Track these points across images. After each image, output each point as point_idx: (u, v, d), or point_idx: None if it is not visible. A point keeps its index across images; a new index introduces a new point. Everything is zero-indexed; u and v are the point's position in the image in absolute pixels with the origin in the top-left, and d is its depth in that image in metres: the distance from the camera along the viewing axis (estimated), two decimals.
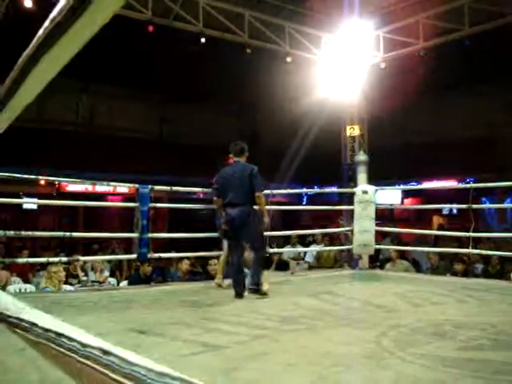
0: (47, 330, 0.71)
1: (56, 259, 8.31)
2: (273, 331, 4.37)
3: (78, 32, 0.66)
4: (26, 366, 3.30)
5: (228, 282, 6.94)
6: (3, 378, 3.08)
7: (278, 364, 3.45)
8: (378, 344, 3.88)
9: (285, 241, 12.72)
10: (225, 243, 7.16)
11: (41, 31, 0.72)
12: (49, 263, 8.39)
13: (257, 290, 6.26)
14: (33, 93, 0.96)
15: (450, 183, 17.18)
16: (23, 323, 0.81)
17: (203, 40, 11.03)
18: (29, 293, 7.91)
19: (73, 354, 0.62)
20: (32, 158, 13.56)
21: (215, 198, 6.80)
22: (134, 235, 7.59)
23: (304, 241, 12.77)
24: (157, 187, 7.75)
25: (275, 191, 9.43)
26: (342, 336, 4.28)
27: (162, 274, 9.23)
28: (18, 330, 0.84)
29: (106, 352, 0.58)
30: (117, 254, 11.77)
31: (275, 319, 4.86)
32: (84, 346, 0.61)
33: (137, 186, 7.59)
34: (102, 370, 0.55)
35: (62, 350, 0.65)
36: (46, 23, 0.70)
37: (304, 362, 3.52)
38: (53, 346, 0.68)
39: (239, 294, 6.28)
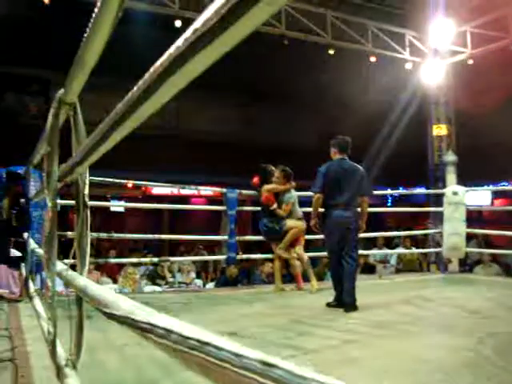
0: (188, 338, 0.70)
1: (147, 259, 8.54)
2: (365, 336, 4.29)
3: (217, 47, 0.65)
4: (125, 364, 3.40)
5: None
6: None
7: (371, 370, 3.37)
8: (477, 352, 3.72)
9: (370, 244, 12.50)
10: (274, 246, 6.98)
11: (180, 41, 0.71)
12: (140, 264, 8.64)
13: (355, 306, 5.56)
14: (155, 107, 0.97)
15: None
16: (157, 329, 0.81)
17: (286, 42, 11.04)
18: (120, 293, 8.15)
19: (226, 365, 0.61)
20: (118, 160, 13.99)
21: (318, 195, 5.88)
22: (222, 238, 7.68)
23: (390, 243, 12.49)
24: (244, 192, 7.77)
25: None
26: (437, 342, 4.15)
27: (248, 275, 9.28)
28: (152, 336, 0.84)
29: (268, 364, 0.55)
30: (202, 255, 11.96)
31: (367, 324, 4.77)
32: (239, 356, 0.59)
33: (224, 190, 7.66)
34: (266, 382, 0.53)
35: (210, 359, 0.64)
36: (188, 33, 0.68)
37: (400, 369, 3.42)
38: (197, 354, 0.67)
39: (352, 306, 5.54)
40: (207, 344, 0.66)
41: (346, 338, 4.19)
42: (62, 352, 2.00)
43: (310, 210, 6.18)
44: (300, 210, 7.02)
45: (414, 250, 10.74)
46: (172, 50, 0.75)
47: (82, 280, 1.64)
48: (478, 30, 12.06)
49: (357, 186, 5.80)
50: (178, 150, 15.92)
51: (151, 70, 0.85)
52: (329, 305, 5.76)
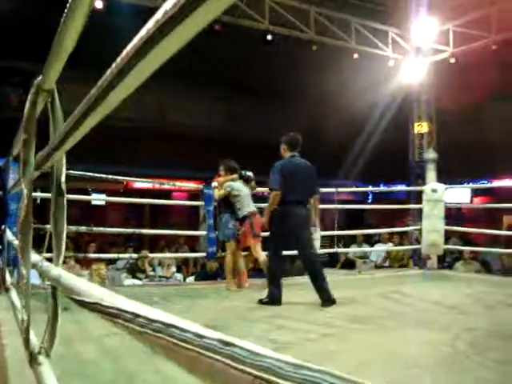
0: (153, 321, 0.70)
1: (126, 255, 8.52)
2: (342, 330, 4.32)
3: (188, 27, 0.65)
4: (102, 356, 3.39)
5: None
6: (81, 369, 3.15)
7: (348, 363, 3.39)
8: (454, 347, 3.76)
9: (350, 240, 12.58)
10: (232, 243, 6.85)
11: (150, 24, 0.71)
12: (119, 258, 8.60)
13: (333, 300, 5.55)
14: (127, 91, 0.96)
15: None
16: (124, 314, 0.81)
17: (269, 37, 11.05)
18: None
19: (187, 345, 0.61)
20: (99, 154, 13.89)
21: (277, 192, 5.68)
22: (201, 233, 7.68)
23: (370, 240, 12.57)
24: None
25: (341, 189, 9.31)
26: (414, 337, 4.18)
27: None
28: (120, 321, 0.84)
29: (227, 343, 0.56)
30: (183, 250, 11.93)
31: (344, 318, 4.79)
32: (200, 336, 0.59)
33: (201, 186, 7.68)
34: (225, 360, 0.53)
35: (173, 340, 0.64)
36: (159, 15, 0.68)
37: (376, 362, 3.45)
38: (161, 336, 0.67)
39: (331, 301, 5.52)
40: (171, 326, 0.66)
41: (323, 332, 4.21)
42: (35, 341, 1.99)
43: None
44: (251, 206, 6.90)
45: (393, 248, 10.81)
46: (143, 32, 0.75)
47: (57, 270, 1.63)
48: (461, 28, 12.16)
49: (311, 183, 5.86)
50: (160, 144, 15.86)
51: (123, 53, 0.85)
52: (261, 301, 5.64)
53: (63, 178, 1.95)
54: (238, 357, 0.54)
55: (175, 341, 0.64)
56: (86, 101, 1.14)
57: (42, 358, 1.84)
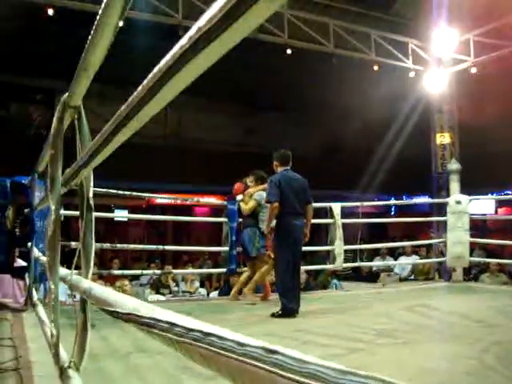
0: (191, 330, 0.70)
1: (149, 271, 8.57)
2: (369, 345, 4.27)
3: (220, 45, 0.66)
4: (126, 373, 3.40)
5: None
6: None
7: None
8: (481, 361, 3.70)
9: (374, 252, 12.49)
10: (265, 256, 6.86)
11: (184, 40, 0.72)
12: (142, 274, 8.64)
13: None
14: (157, 108, 0.98)
15: None
16: (161, 323, 0.82)
17: (289, 51, 11.10)
18: None
19: (229, 353, 0.61)
20: (121, 170, 14.02)
21: (276, 204, 5.85)
22: (223, 249, 7.69)
23: (393, 252, 12.48)
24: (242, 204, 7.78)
25: (366, 203, 9.27)
26: (441, 351, 4.13)
27: None
28: (156, 331, 0.85)
29: (271, 351, 0.56)
30: (205, 265, 11.95)
31: (370, 333, 4.74)
32: (242, 344, 0.60)
33: (225, 202, 7.67)
34: (270, 368, 0.54)
35: (213, 349, 0.65)
36: (192, 32, 0.69)
37: (404, 377, 3.40)
38: (200, 345, 0.68)
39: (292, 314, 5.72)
40: (210, 335, 0.67)
41: (349, 347, 4.17)
42: (65, 355, 2.01)
43: None
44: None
45: (418, 261, 10.72)
46: (176, 49, 0.76)
47: (87, 282, 1.65)
48: (481, 38, 12.10)
49: (305, 195, 6.05)
50: (179, 159, 15.95)
51: (155, 69, 0.86)
52: (274, 315, 5.68)
53: (91, 194, 1.98)
54: (283, 364, 0.54)
55: (216, 349, 0.64)
56: (116, 117, 1.16)
57: (72, 373, 1.85)
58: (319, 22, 11.54)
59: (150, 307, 0.96)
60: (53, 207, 2.07)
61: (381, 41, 12.21)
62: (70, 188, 2.08)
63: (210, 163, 16.12)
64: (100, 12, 1.24)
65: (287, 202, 5.87)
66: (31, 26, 10.93)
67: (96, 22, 1.29)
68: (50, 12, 9.59)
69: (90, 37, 1.39)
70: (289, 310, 5.68)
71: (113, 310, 1.12)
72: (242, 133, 19.77)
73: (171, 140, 18.11)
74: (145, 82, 0.94)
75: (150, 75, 0.90)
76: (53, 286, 2.04)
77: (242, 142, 19.48)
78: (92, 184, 2.01)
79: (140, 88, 0.96)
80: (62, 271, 2.13)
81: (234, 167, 16.57)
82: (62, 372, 1.91)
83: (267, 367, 0.55)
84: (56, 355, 2.01)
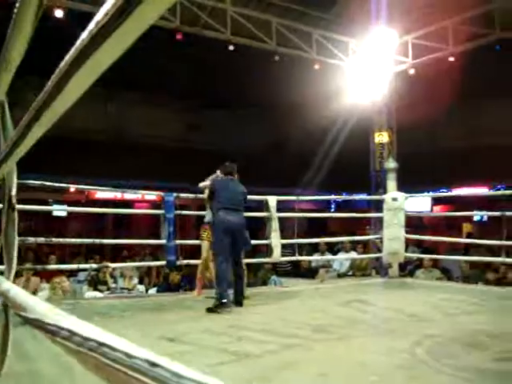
0: (88, 339, 0.68)
1: (86, 266, 8.39)
2: (304, 340, 4.31)
3: (122, 36, 0.63)
4: (60, 374, 3.31)
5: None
6: None
7: (310, 374, 3.40)
8: (413, 354, 3.80)
9: (313, 248, 12.61)
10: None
11: (84, 35, 0.69)
12: (79, 270, 8.44)
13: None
14: (69, 101, 0.94)
15: (481, 190, 16.90)
16: (62, 331, 0.78)
17: (231, 47, 11.07)
18: (59, 300, 7.96)
19: (117, 365, 0.59)
20: (61, 165, 13.69)
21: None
22: (162, 242, 7.62)
23: (332, 248, 12.63)
24: (182, 195, 7.76)
25: (302, 197, 9.36)
26: (374, 346, 4.21)
27: (190, 281, 9.20)
28: (58, 339, 0.82)
29: (153, 364, 0.54)
30: (145, 260, 11.79)
31: (306, 328, 4.79)
32: (130, 356, 0.58)
33: (162, 194, 7.62)
34: (150, 382, 0.52)
35: (104, 360, 0.62)
36: (91, 26, 0.67)
37: (338, 372, 3.46)
38: (94, 355, 0.65)
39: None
40: (103, 345, 0.65)
41: (285, 343, 4.20)
42: None
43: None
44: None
45: (356, 256, 10.89)
46: (78, 43, 0.73)
47: (7, 284, 1.58)
48: (420, 40, 12.40)
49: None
50: (122, 155, 15.72)
51: (61, 64, 0.83)
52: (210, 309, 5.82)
53: (14, 191, 1.90)
54: (161, 378, 0.53)
55: (106, 360, 0.62)
56: (31, 110, 1.12)
57: None
58: (262, 19, 11.55)
59: (57, 313, 0.92)
60: None
61: (322, 40, 12.34)
62: None
63: (150, 159, 15.96)
64: (17, 4, 1.19)
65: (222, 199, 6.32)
66: None
67: (14, 15, 1.23)
68: None
69: (8, 29, 1.33)
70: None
71: (24, 314, 1.07)
72: (185, 129, 19.67)
73: (114, 134, 17.83)
74: (52, 76, 0.90)
75: (57, 70, 0.86)
76: None
77: (184, 138, 19.38)
78: (15, 180, 1.93)
79: (49, 82, 0.93)
80: None
81: (176, 163, 16.51)
82: None
83: (147, 380, 0.54)
84: None
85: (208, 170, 7.21)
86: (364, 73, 12.84)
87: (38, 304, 1.05)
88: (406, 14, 11.86)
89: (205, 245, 6.87)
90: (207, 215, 6.95)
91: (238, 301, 6.17)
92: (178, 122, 19.41)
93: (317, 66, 12.38)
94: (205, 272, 7.15)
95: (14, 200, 1.88)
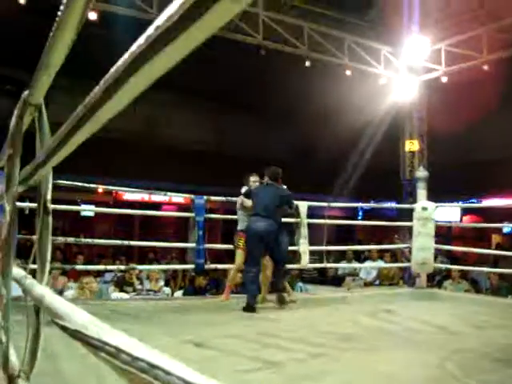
0: (138, 359, 0.65)
1: (114, 267, 8.43)
2: (331, 349, 4.25)
3: (184, 42, 0.61)
4: (86, 374, 3.31)
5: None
6: None
7: None
8: (443, 368, 3.71)
9: (340, 256, 12.52)
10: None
11: (142, 39, 0.67)
12: (106, 270, 8.49)
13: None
14: (117, 108, 0.92)
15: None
16: (107, 347, 0.76)
17: (263, 52, 11.06)
18: (87, 300, 8.01)
19: None
20: (89, 166, 13.80)
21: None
22: (190, 245, 7.61)
23: (359, 256, 12.53)
24: (212, 198, 7.74)
25: (332, 204, 9.29)
26: (403, 358, 4.13)
27: (217, 285, 9.20)
28: (102, 354, 0.79)
29: None
30: (172, 263, 11.83)
31: (333, 337, 4.73)
32: (186, 382, 0.55)
33: (192, 196, 7.60)
34: None
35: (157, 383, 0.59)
36: (150, 31, 0.64)
37: None
38: (146, 377, 0.62)
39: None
40: (156, 367, 0.62)
41: (312, 352, 4.15)
42: (15, 362, 1.92)
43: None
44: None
45: (383, 265, 10.77)
46: (134, 48, 0.71)
47: (40, 289, 1.57)
48: (453, 48, 12.24)
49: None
50: (150, 157, 15.80)
51: (112, 69, 0.80)
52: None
53: (49, 196, 1.89)
54: None
55: None
56: (74, 117, 1.10)
57: (21, 382, 1.77)
58: (294, 24, 11.52)
59: (99, 326, 0.89)
60: (8, 208, 1.98)
61: (354, 46, 12.26)
62: (28, 187, 2.00)
63: (179, 162, 16.02)
64: (62, 7, 1.17)
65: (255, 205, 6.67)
66: (3, 15, 10.66)
67: (57, 18, 1.22)
68: (23, 1, 9.35)
69: (51, 32, 1.32)
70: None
71: (61, 323, 1.05)
72: (214, 132, 19.69)
73: (143, 136, 17.91)
74: (101, 82, 0.87)
75: (107, 75, 0.84)
76: (4, 291, 1.95)
77: (213, 141, 19.40)
78: (51, 184, 1.93)
79: (97, 88, 0.90)
80: (17, 271, 2.04)
81: (202, 167, 16.51)
82: (11, 381, 1.83)
83: None
84: (5, 364, 1.92)
85: (235, 174, 7.22)
86: (396, 80, 12.73)
87: (79, 314, 1.03)
88: (440, 21, 11.73)
89: (239, 253, 6.87)
90: (240, 223, 6.98)
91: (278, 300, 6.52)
92: (204, 125, 19.44)
93: (348, 73, 12.30)
94: (236, 279, 7.18)
95: (49, 204, 1.88)
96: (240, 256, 6.84)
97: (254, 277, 6.39)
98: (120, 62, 0.77)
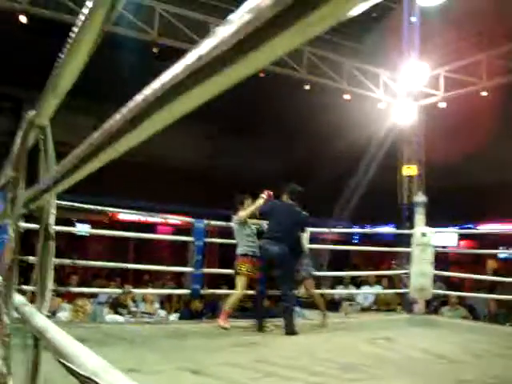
0: None
1: (109, 290, 8.34)
2: (332, 379, 4.17)
3: (231, 74, 0.55)
4: None
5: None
6: None
7: None
8: None
9: (335, 280, 12.40)
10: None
11: (179, 68, 0.61)
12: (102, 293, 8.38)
13: None
14: (140, 138, 0.86)
15: (508, 227, 16.58)
16: None
17: (262, 74, 11.07)
18: (81, 322, 7.88)
19: None
20: (85, 184, 13.69)
21: None
22: (188, 270, 7.51)
23: (356, 281, 12.42)
24: (213, 222, 7.64)
25: (334, 230, 9.24)
26: None
27: (213, 309, 9.08)
28: None
29: None
30: (168, 286, 11.71)
31: (333, 366, 4.64)
32: None
33: (192, 220, 7.50)
34: None
35: None
36: (192, 59, 0.58)
37: None
38: None
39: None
40: None
41: (312, 381, 4.06)
42: None
43: None
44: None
45: (381, 291, 10.68)
46: (168, 77, 0.64)
47: (42, 320, 1.49)
48: (452, 74, 12.31)
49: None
50: (147, 177, 15.73)
51: (139, 97, 0.74)
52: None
53: (52, 220, 1.83)
54: None
55: None
56: (88, 146, 1.03)
57: None
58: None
59: (113, 375, 0.82)
60: (11, 233, 1.91)
61: (353, 70, 12.31)
62: (30, 211, 1.94)
63: (173, 182, 15.94)
64: (76, 28, 1.12)
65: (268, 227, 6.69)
66: (2, 31, 10.66)
67: (71, 39, 1.16)
68: (23, 19, 9.34)
69: (62, 55, 1.26)
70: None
71: (69, 365, 0.98)
72: (209, 153, 19.64)
73: (139, 157, 17.85)
74: (125, 110, 0.81)
75: (132, 104, 0.77)
76: (6, 319, 1.87)
77: (208, 163, 19.35)
78: (54, 209, 1.86)
79: (118, 116, 0.84)
80: (17, 298, 1.97)
81: (199, 187, 16.46)
82: None
83: None
84: None
85: (228, 196, 7.13)
86: (394, 105, 12.77)
87: (88, 357, 0.95)
88: (440, 47, 11.80)
89: (242, 279, 6.67)
90: (239, 247, 6.81)
91: (287, 332, 6.29)
92: (199, 146, 19.39)
93: (347, 97, 12.34)
94: (235, 305, 6.97)
95: (51, 230, 1.81)
96: (242, 282, 6.64)
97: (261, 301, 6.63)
98: (149, 90, 0.71)
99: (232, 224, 6.97)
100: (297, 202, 6.74)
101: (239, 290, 6.67)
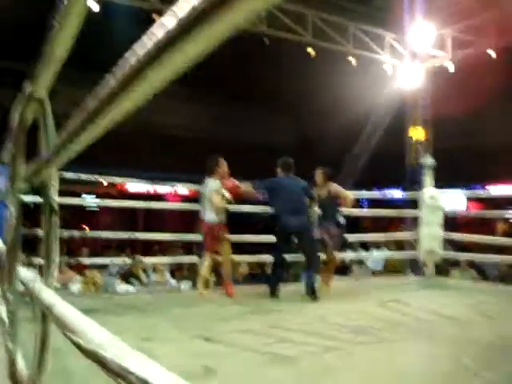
0: None
1: (119, 260, 8.37)
2: (344, 343, 4.18)
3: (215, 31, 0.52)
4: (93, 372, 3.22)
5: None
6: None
7: (350, 380, 3.27)
8: (458, 361, 3.63)
9: (345, 244, 12.36)
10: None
11: (173, 23, 0.57)
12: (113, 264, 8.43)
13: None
14: (137, 102, 0.83)
15: None
16: (130, 376, 0.67)
17: (267, 41, 10.94)
18: (93, 294, 7.96)
19: None
20: (93, 156, 13.71)
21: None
22: (198, 238, 7.51)
23: (365, 244, 12.39)
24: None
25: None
26: (417, 351, 4.08)
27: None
28: (122, 382, 0.70)
29: None
30: (178, 254, 11.73)
31: (345, 330, 4.65)
32: None
33: (199, 187, 7.45)
34: None
35: None
36: (182, 14, 0.55)
37: (378, 379, 3.32)
38: None
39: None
40: None
41: (324, 345, 4.07)
42: (23, 371, 1.84)
43: None
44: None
45: (391, 254, 10.67)
46: (160, 34, 0.61)
47: (49, 295, 1.48)
48: (459, 34, 12.08)
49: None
50: (151, 147, 15.71)
51: (132, 60, 0.70)
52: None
53: (55, 195, 1.80)
54: None
55: None
56: (82, 112, 1.00)
57: None
58: (297, 12, 11.36)
59: (119, 347, 0.80)
60: (12, 209, 1.89)
61: (358, 33, 12.12)
62: (33, 186, 1.91)
63: (177, 150, 15.90)
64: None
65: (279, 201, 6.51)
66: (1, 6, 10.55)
67: (61, 8, 1.12)
68: None
69: (54, 24, 1.22)
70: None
71: (75, 340, 0.96)
72: (212, 120, 19.55)
73: (143, 126, 17.78)
74: (119, 72, 0.77)
75: (126, 65, 0.73)
76: (11, 297, 1.87)
77: (212, 129, 19.26)
78: (57, 184, 1.83)
79: (112, 80, 0.80)
80: (23, 273, 1.96)
81: (205, 156, 16.39)
82: None
83: None
84: (13, 372, 1.84)
85: (232, 163, 7.07)
86: (401, 67, 12.59)
87: (95, 331, 0.93)
88: (446, 7, 11.56)
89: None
90: (207, 213, 6.63)
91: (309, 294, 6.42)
92: (204, 114, 19.28)
93: (353, 61, 12.17)
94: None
95: (55, 205, 1.79)
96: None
97: (277, 274, 6.71)
98: (142, 51, 0.67)
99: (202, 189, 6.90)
100: (292, 172, 6.76)
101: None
